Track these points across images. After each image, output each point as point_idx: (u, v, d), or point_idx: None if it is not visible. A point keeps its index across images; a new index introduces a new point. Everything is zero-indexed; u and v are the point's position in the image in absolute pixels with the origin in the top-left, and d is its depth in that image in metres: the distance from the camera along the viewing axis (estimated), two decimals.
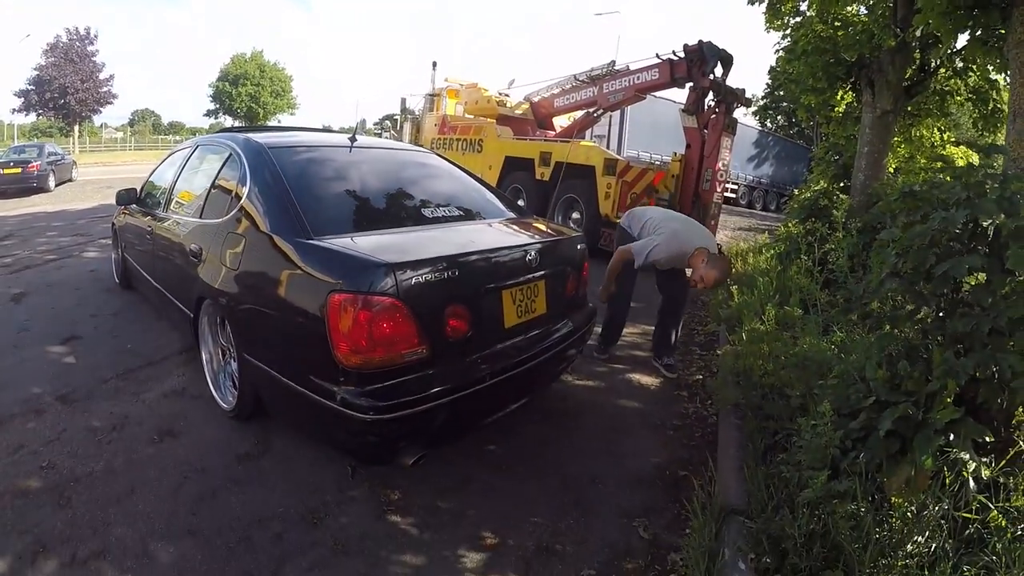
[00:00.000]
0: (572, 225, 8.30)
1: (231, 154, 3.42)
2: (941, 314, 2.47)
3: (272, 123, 47.87)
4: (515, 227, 3.43)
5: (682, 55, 8.02)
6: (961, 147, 9.51)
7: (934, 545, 1.97)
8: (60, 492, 2.59)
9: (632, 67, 9.11)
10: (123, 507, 2.51)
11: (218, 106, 50.97)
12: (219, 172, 3.51)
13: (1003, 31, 4.74)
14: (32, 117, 41.59)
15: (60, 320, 4.76)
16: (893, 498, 2.15)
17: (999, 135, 7.94)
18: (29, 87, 36.35)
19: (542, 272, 3.00)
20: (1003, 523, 1.96)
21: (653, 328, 4.61)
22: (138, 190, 4.97)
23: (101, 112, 40.41)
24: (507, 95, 11.98)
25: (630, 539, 2.53)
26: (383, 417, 2.28)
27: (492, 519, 2.59)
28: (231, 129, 4.17)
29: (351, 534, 2.44)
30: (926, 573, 1.91)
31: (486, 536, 2.49)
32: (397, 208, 3.24)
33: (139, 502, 2.55)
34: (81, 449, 2.93)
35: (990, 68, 7.06)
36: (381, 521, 2.53)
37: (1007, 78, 5.60)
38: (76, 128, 40.11)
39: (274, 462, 2.91)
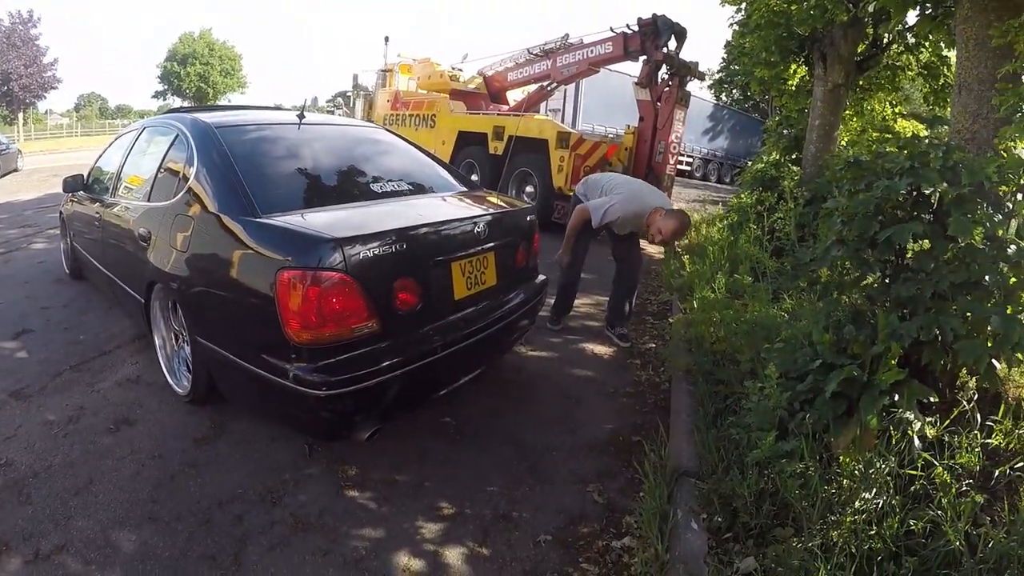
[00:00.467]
0: (526, 199, 8.31)
1: (178, 135, 3.36)
2: (886, 280, 2.56)
3: (223, 102, 46.60)
4: (464, 200, 3.44)
5: (636, 28, 8.03)
6: (912, 120, 9.71)
7: (881, 501, 2.05)
8: (20, 489, 2.54)
9: (586, 40, 9.09)
10: (83, 499, 2.48)
11: (167, 87, 49.56)
12: (166, 154, 3.44)
13: (952, 7, 4.84)
14: None
15: (10, 314, 4.62)
16: (840, 457, 2.23)
17: (948, 109, 8.10)
18: None
19: (491, 244, 3.03)
20: (948, 479, 2.05)
21: (605, 298, 4.66)
22: (85, 176, 4.84)
23: (46, 98, 39.16)
24: (460, 70, 11.82)
25: (585, 504, 2.60)
26: (336, 392, 2.30)
27: (449, 490, 2.64)
28: (178, 110, 4.07)
29: (310, 511, 2.46)
30: (874, 528, 1.99)
31: (444, 507, 2.53)
32: (347, 184, 3.22)
33: (99, 493, 2.53)
34: (38, 444, 2.87)
35: (942, 45, 7.18)
36: (340, 497, 2.56)
37: None
38: (21, 116, 38.62)
39: (231, 444, 2.91)
